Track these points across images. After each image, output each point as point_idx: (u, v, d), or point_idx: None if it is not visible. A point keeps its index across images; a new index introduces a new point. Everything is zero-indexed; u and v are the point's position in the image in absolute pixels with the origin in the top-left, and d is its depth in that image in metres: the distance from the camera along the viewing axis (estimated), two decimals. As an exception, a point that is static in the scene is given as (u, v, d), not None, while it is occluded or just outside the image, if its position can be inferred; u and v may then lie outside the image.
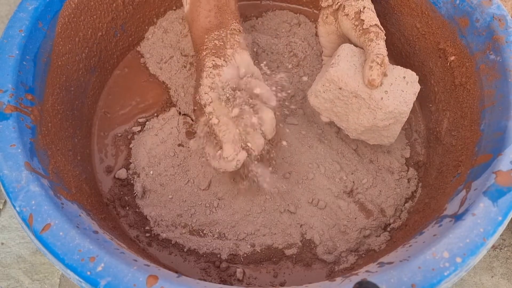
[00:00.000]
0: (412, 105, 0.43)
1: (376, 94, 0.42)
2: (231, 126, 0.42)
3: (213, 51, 0.44)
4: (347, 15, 0.44)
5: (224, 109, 0.42)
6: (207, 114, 0.42)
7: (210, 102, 0.42)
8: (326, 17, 0.48)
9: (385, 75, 0.42)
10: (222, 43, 0.45)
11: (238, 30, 0.47)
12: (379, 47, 0.41)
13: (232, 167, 0.42)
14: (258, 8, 0.64)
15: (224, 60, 0.44)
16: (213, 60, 0.43)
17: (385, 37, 0.43)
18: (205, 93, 0.42)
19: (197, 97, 0.43)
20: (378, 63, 0.41)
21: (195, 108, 0.45)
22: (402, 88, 0.43)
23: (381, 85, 0.42)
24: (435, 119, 0.52)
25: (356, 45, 0.45)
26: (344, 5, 0.45)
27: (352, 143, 0.52)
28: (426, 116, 0.55)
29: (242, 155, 0.42)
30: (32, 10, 0.43)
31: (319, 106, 0.46)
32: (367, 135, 0.46)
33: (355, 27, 0.44)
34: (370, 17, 0.43)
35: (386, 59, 0.41)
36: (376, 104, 0.42)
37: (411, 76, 0.44)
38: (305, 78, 0.57)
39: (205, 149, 0.44)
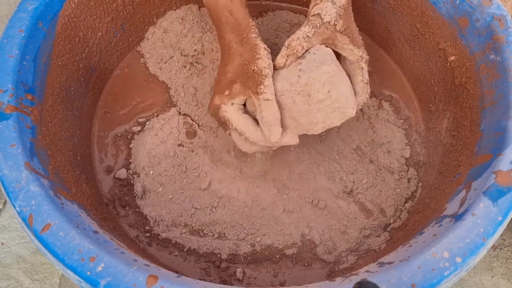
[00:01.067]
0: (332, 63, 0.41)
1: (293, 78, 0.41)
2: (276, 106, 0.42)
3: (260, 37, 0.44)
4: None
5: (272, 89, 0.42)
6: (263, 87, 0.41)
7: (268, 76, 0.41)
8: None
9: (300, 57, 0.43)
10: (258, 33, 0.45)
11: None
12: (297, 32, 0.43)
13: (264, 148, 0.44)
14: (258, 8, 0.64)
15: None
16: (264, 45, 0.43)
17: (318, 24, 0.42)
18: (265, 67, 0.42)
19: (254, 68, 0.41)
20: (285, 46, 0.43)
21: (236, 80, 0.43)
22: (313, 58, 0.42)
23: (286, 66, 0.43)
24: (435, 119, 0.52)
25: None
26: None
27: (352, 143, 0.52)
28: (426, 116, 0.55)
29: (294, 139, 0.43)
30: (32, 10, 0.43)
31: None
32: (325, 119, 0.43)
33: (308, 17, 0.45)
34: (319, 7, 0.43)
35: (294, 42, 0.42)
36: (299, 85, 0.41)
37: (320, 49, 0.43)
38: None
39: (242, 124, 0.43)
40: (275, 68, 0.43)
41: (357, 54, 0.45)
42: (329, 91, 0.41)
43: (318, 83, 0.41)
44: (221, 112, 0.43)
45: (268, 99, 0.41)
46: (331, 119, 0.43)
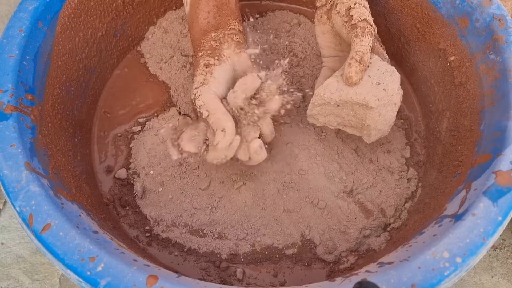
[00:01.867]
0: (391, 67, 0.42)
1: (379, 92, 0.41)
2: (224, 117, 0.41)
3: (208, 51, 0.44)
4: (338, 12, 0.44)
5: (217, 103, 0.42)
6: (198, 108, 0.42)
7: (200, 95, 0.42)
8: (321, 17, 0.47)
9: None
10: (219, 44, 0.45)
11: (237, 30, 0.47)
12: (362, 43, 0.40)
13: (221, 155, 0.42)
14: (258, 8, 0.64)
15: (217, 60, 0.44)
16: (207, 60, 0.43)
17: (374, 33, 0.42)
18: (195, 88, 0.42)
19: (191, 97, 0.43)
20: (356, 60, 0.40)
21: (196, 111, 0.44)
22: (376, 67, 0.42)
23: (359, 83, 0.41)
24: (435, 119, 0.52)
25: (349, 42, 0.45)
26: (337, 3, 0.44)
27: (352, 143, 0.52)
28: (426, 116, 0.55)
29: (236, 141, 0.42)
30: (32, 10, 0.43)
31: (323, 122, 0.46)
32: (372, 132, 0.45)
33: (344, 24, 0.43)
34: (360, 12, 0.42)
35: (366, 56, 0.40)
36: (386, 98, 0.41)
37: (386, 67, 0.43)
38: (304, 79, 0.57)
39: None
40: (350, 85, 0.41)
41: (386, 57, 0.45)
42: (401, 95, 0.43)
43: (397, 90, 0.42)
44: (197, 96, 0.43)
45: (205, 116, 0.42)
46: (375, 133, 0.45)
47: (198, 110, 0.42)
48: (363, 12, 0.42)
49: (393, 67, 0.43)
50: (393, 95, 0.42)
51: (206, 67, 0.43)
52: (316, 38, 0.50)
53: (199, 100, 0.42)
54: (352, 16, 0.42)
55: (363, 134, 0.46)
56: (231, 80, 0.44)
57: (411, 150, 0.53)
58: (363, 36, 0.41)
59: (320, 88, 0.43)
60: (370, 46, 0.41)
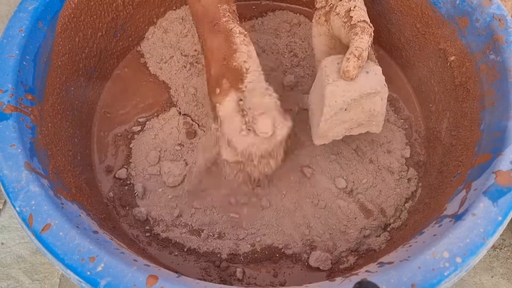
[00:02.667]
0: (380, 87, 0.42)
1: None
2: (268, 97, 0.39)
3: (233, 19, 0.42)
4: (338, 14, 0.44)
5: (261, 82, 0.40)
6: (245, 84, 0.39)
7: (251, 71, 0.39)
8: (319, 18, 0.47)
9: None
10: (235, 16, 0.43)
11: (235, 12, 0.46)
12: (361, 40, 0.40)
13: (272, 143, 0.39)
14: (258, 8, 0.64)
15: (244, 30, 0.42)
16: (238, 27, 0.41)
17: (372, 34, 0.42)
18: (245, 62, 0.39)
19: (233, 63, 0.39)
20: (355, 55, 0.40)
21: (219, 78, 0.40)
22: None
23: (355, 79, 0.41)
24: (435, 119, 0.52)
25: (346, 44, 0.45)
26: (336, 5, 0.45)
27: (352, 143, 0.52)
28: (426, 116, 0.55)
29: (286, 128, 0.40)
30: (32, 10, 0.43)
31: (332, 136, 0.45)
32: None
33: (344, 24, 0.43)
34: (359, 14, 0.42)
35: (365, 53, 0.40)
36: (369, 87, 0.41)
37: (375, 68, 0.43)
38: (305, 79, 0.57)
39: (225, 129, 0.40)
40: (346, 79, 0.41)
41: (375, 60, 0.45)
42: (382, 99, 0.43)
43: (382, 75, 0.43)
44: (218, 112, 0.41)
45: (252, 89, 0.38)
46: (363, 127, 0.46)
47: (245, 85, 0.38)
48: (362, 14, 0.43)
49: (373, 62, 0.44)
50: (382, 76, 0.42)
51: (245, 36, 0.41)
52: (312, 39, 0.50)
53: (251, 75, 0.39)
54: (352, 17, 0.42)
55: (372, 126, 0.45)
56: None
57: (411, 150, 0.53)
58: (363, 34, 0.41)
59: (327, 99, 0.42)
60: (369, 45, 0.41)
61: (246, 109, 0.39)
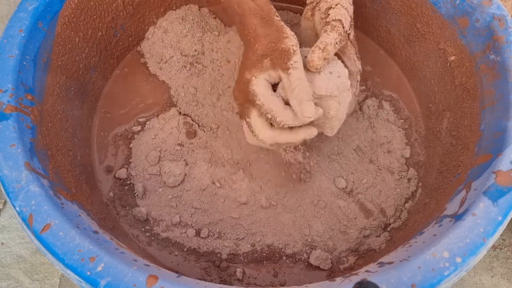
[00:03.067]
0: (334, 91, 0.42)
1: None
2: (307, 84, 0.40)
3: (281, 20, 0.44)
4: (319, 9, 0.45)
5: (302, 65, 0.40)
6: (292, 62, 0.39)
7: (297, 53, 0.40)
8: (306, 12, 0.48)
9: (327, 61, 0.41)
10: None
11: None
12: (327, 36, 0.41)
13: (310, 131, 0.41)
14: (258, 8, 0.64)
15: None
16: (289, 29, 0.42)
17: (342, 33, 0.42)
18: (293, 45, 0.40)
19: (282, 45, 0.40)
20: (319, 48, 0.40)
21: (262, 58, 0.41)
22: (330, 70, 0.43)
23: (319, 69, 0.41)
24: (435, 119, 0.52)
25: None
26: (321, 1, 0.45)
27: (352, 143, 0.53)
28: (426, 116, 0.55)
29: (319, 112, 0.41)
30: (32, 10, 0.43)
31: None
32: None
33: (321, 20, 0.44)
34: (337, 12, 0.43)
35: (330, 47, 0.40)
36: (324, 90, 0.41)
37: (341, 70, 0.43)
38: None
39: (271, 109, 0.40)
40: (308, 70, 0.41)
41: (357, 67, 0.45)
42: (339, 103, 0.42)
43: (347, 77, 0.43)
44: (251, 86, 0.40)
45: (299, 76, 0.39)
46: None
47: (291, 64, 0.39)
48: (341, 13, 0.43)
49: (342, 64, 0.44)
50: (347, 80, 0.42)
51: (294, 34, 0.42)
52: (300, 33, 0.50)
53: (298, 56, 0.40)
54: (329, 14, 0.43)
55: (326, 128, 0.44)
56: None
57: (411, 150, 0.53)
58: (332, 32, 0.42)
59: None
60: (336, 42, 0.41)
61: (288, 90, 0.40)
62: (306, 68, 0.41)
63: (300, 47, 0.43)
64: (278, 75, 0.40)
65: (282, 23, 0.42)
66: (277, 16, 0.43)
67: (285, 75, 0.39)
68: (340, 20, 0.42)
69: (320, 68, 0.41)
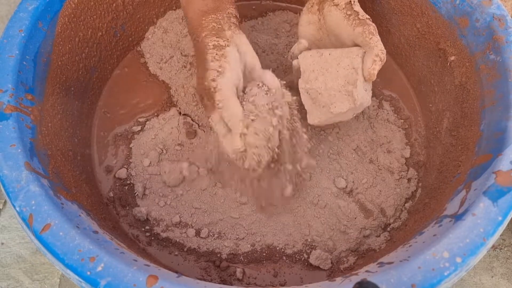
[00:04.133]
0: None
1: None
2: (240, 115, 0.40)
3: (212, 32, 0.43)
4: (337, 5, 0.44)
5: (235, 101, 0.40)
6: (216, 102, 0.40)
7: (220, 90, 0.40)
8: (311, 6, 0.47)
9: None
10: (220, 26, 0.43)
11: (234, 15, 0.45)
12: (381, 43, 0.42)
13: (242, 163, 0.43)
14: (258, 8, 0.64)
15: (225, 41, 0.42)
16: (215, 41, 0.42)
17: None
18: (212, 80, 0.40)
19: (204, 83, 0.40)
20: (381, 60, 0.42)
21: (202, 95, 0.42)
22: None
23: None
24: (435, 119, 0.52)
25: (340, 36, 0.45)
26: None
27: (352, 143, 0.52)
28: (426, 116, 0.55)
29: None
30: (32, 10, 0.43)
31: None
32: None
33: (348, 17, 0.44)
34: (361, 10, 0.44)
35: (384, 55, 0.42)
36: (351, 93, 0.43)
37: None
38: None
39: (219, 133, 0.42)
40: (368, 81, 0.43)
41: None
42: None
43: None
44: (214, 127, 0.42)
45: (222, 107, 0.40)
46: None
47: (216, 103, 0.40)
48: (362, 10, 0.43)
49: None
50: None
51: (218, 50, 0.41)
52: (299, 27, 0.49)
53: (218, 94, 0.40)
54: (357, 12, 0.43)
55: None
56: (238, 63, 0.43)
57: (411, 150, 0.53)
58: (377, 35, 0.42)
59: (356, 93, 0.43)
60: None
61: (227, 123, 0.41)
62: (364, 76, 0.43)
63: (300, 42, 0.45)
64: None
65: (208, 40, 0.41)
66: (207, 29, 0.42)
67: (218, 114, 0.41)
68: (369, 18, 0.43)
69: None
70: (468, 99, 0.45)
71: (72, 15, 0.47)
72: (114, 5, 0.53)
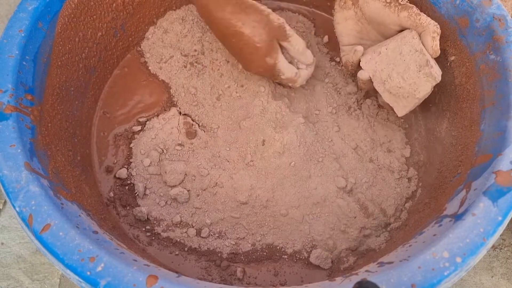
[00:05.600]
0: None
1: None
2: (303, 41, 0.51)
3: None
4: None
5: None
6: (288, 33, 0.49)
7: (286, 24, 0.49)
8: (344, 3, 0.49)
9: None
10: None
11: None
12: (430, 19, 0.44)
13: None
14: (258, 8, 0.64)
15: None
16: (258, 3, 0.48)
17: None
18: (278, 18, 0.48)
19: (274, 22, 0.48)
20: (438, 34, 0.44)
21: (269, 33, 0.48)
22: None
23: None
24: (435, 119, 0.52)
25: (383, 23, 0.46)
26: None
27: (352, 142, 0.52)
28: (426, 116, 0.55)
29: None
30: (32, 10, 0.43)
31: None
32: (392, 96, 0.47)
33: (388, 5, 0.45)
34: None
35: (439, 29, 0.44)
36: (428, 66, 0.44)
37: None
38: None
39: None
40: (434, 56, 0.45)
41: None
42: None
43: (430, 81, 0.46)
44: (277, 67, 0.50)
45: (293, 34, 0.49)
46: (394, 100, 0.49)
47: (287, 34, 0.49)
48: None
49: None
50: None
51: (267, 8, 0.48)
52: (336, 26, 0.51)
53: (289, 28, 0.49)
54: None
55: (401, 106, 0.47)
56: None
57: (411, 150, 0.53)
58: (423, 14, 0.44)
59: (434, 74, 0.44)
60: None
61: (292, 51, 0.50)
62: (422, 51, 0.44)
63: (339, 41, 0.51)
64: (283, 45, 0.50)
65: (252, 1, 0.47)
66: None
67: (287, 43, 0.49)
68: (407, 0, 0.45)
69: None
70: (468, 99, 0.45)
71: (72, 15, 0.47)
72: (114, 5, 0.53)
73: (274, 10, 0.63)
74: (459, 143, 0.45)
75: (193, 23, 0.59)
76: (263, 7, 0.48)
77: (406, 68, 0.45)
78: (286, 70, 0.50)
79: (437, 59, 0.47)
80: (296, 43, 0.49)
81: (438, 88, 0.52)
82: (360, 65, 0.48)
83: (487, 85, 0.42)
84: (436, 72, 0.44)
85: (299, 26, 0.61)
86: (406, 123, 0.55)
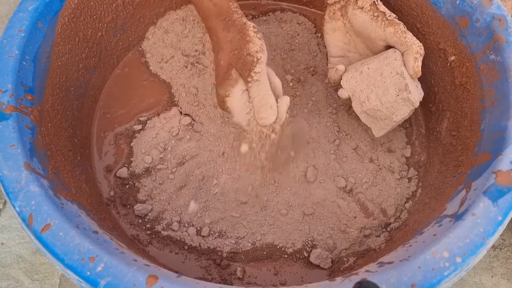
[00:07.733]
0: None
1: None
2: (270, 90, 0.42)
3: (243, 16, 0.43)
4: (361, 8, 0.45)
5: (265, 74, 0.41)
6: (255, 73, 0.40)
7: (262, 62, 0.40)
8: (333, 14, 0.48)
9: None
10: (243, 14, 0.44)
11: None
12: (415, 39, 0.43)
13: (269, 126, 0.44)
14: (258, 8, 0.64)
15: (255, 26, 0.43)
16: (252, 23, 0.42)
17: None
18: (256, 52, 0.40)
19: (245, 53, 0.40)
20: (421, 55, 0.43)
21: (234, 65, 0.41)
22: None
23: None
24: (435, 119, 0.52)
25: (369, 36, 0.46)
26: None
27: (352, 142, 0.52)
28: (426, 116, 0.55)
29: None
30: (32, 10, 0.43)
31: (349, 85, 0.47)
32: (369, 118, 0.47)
33: (375, 18, 0.44)
34: (387, 9, 0.44)
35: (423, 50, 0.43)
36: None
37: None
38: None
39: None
40: (414, 78, 0.44)
41: None
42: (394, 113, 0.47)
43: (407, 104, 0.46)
44: (227, 103, 0.43)
45: (258, 80, 0.40)
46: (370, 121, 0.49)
47: (253, 74, 0.40)
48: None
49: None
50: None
51: (257, 30, 0.42)
52: (325, 36, 0.50)
53: (259, 67, 0.40)
54: (383, 12, 0.44)
55: (378, 128, 0.47)
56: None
57: (412, 150, 0.53)
58: (408, 32, 0.43)
59: (413, 94, 0.44)
60: None
61: (252, 98, 0.42)
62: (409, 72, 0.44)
63: (328, 53, 0.48)
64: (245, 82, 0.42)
65: (245, 20, 0.42)
66: (238, 13, 0.43)
67: (247, 85, 0.41)
68: (396, 17, 0.44)
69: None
70: (468, 99, 0.45)
71: (72, 15, 0.47)
72: (114, 5, 0.53)
73: (275, 10, 0.63)
74: (459, 143, 0.45)
75: (193, 24, 0.59)
76: (251, 31, 0.41)
77: (385, 91, 0.44)
78: (236, 112, 0.43)
79: (437, 59, 0.47)
80: (255, 93, 0.41)
81: (438, 88, 0.52)
82: (341, 83, 0.48)
83: (487, 85, 0.42)
84: (415, 98, 0.44)
85: (299, 27, 0.61)
86: (406, 123, 0.55)
